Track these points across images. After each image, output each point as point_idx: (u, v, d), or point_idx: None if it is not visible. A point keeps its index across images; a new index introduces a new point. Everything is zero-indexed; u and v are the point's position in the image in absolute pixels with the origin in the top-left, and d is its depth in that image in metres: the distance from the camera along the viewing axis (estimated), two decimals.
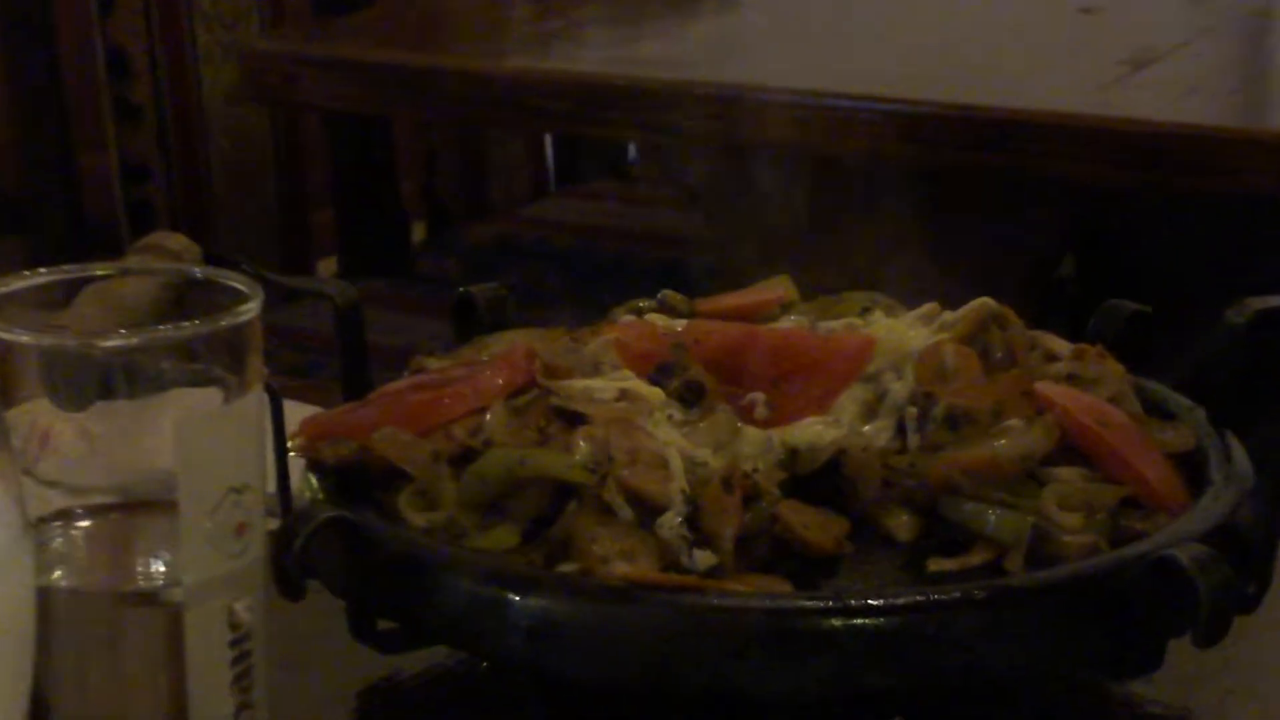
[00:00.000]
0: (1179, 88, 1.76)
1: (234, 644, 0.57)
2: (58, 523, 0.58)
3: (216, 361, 0.58)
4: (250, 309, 0.60)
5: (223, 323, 0.58)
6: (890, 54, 1.89)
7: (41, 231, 1.95)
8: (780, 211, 1.36)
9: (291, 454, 0.74)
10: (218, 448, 0.58)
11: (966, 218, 1.78)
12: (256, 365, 0.60)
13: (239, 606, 0.58)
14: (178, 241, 0.86)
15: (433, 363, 0.84)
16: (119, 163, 1.94)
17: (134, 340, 0.58)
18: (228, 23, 1.99)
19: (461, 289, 0.87)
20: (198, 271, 0.66)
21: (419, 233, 2.54)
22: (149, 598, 0.59)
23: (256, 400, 0.61)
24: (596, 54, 1.97)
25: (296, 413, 0.78)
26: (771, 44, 2.00)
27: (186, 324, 0.59)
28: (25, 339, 0.56)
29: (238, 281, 0.62)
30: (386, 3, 2.33)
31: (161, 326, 0.60)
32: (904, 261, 0.92)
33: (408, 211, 2.39)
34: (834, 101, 1.68)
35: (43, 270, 0.62)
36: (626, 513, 0.66)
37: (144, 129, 1.94)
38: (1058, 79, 1.79)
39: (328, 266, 2.31)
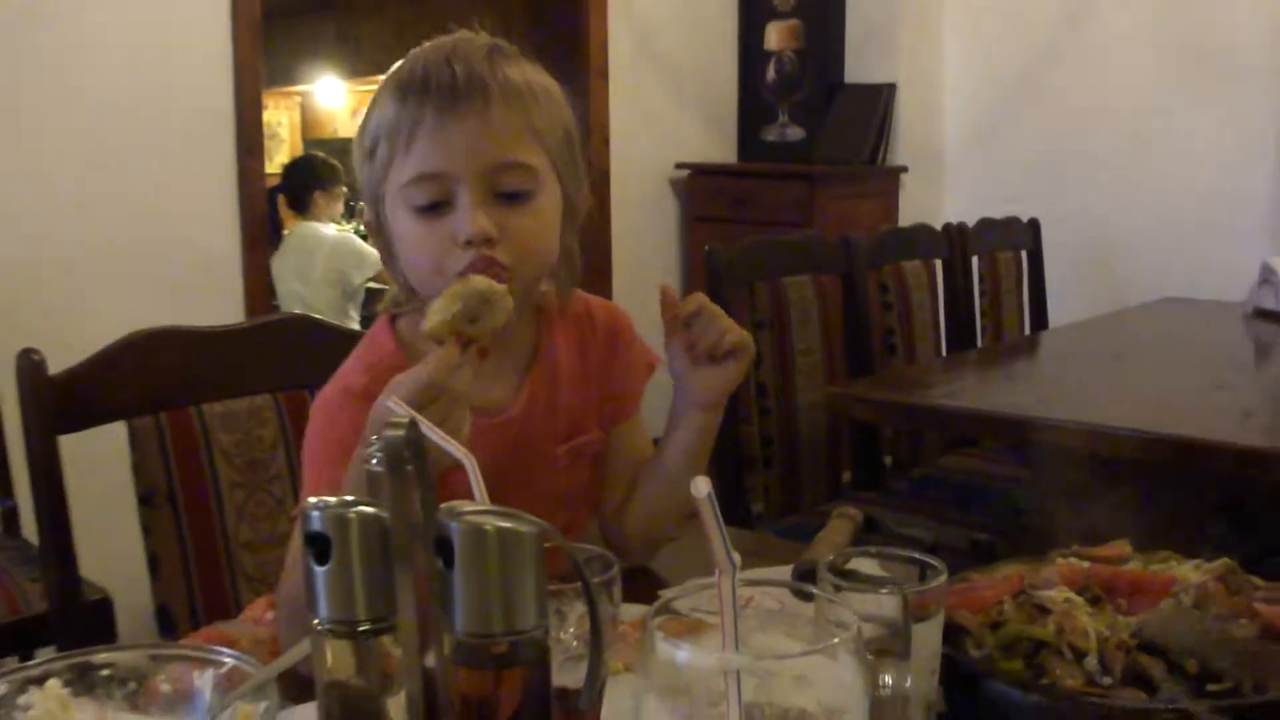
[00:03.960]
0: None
1: None
2: None
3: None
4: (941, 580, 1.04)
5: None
6: (1129, 402, 2.83)
7: None
8: (1083, 487, 2.18)
9: None
10: None
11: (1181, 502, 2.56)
12: None
13: None
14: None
15: (976, 576, 1.30)
16: None
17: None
18: None
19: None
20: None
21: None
22: None
23: None
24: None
25: None
26: (1078, 396, 2.98)
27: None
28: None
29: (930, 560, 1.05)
30: None
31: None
32: (1147, 521, 1.55)
33: None
34: (1112, 430, 2.56)
35: None
36: (1069, 655, 1.15)
37: None
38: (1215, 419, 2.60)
39: None
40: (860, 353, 3.51)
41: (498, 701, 0.77)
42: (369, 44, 8.28)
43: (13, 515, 3.47)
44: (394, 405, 1.03)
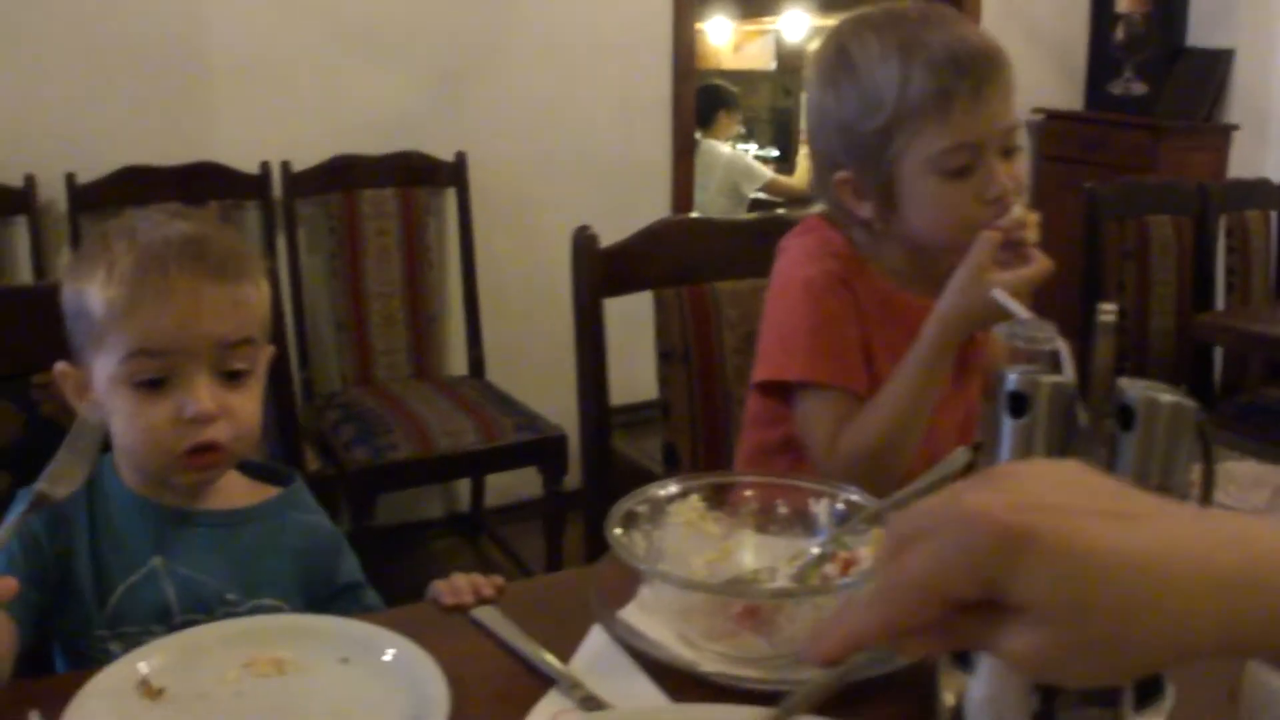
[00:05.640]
0: None
1: None
2: None
3: None
4: None
5: None
6: None
7: None
8: None
9: None
10: None
11: None
12: None
13: None
14: None
15: None
16: None
17: None
18: None
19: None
20: None
21: None
22: None
23: None
24: None
25: None
26: None
27: None
28: None
29: None
30: None
31: None
32: None
33: None
34: None
35: None
36: None
37: None
38: None
39: None
40: (1205, 288, 3.48)
41: None
42: None
43: (479, 362, 3.69)
44: (998, 296, 1.09)
